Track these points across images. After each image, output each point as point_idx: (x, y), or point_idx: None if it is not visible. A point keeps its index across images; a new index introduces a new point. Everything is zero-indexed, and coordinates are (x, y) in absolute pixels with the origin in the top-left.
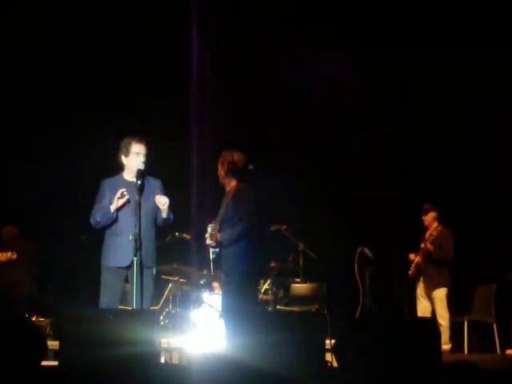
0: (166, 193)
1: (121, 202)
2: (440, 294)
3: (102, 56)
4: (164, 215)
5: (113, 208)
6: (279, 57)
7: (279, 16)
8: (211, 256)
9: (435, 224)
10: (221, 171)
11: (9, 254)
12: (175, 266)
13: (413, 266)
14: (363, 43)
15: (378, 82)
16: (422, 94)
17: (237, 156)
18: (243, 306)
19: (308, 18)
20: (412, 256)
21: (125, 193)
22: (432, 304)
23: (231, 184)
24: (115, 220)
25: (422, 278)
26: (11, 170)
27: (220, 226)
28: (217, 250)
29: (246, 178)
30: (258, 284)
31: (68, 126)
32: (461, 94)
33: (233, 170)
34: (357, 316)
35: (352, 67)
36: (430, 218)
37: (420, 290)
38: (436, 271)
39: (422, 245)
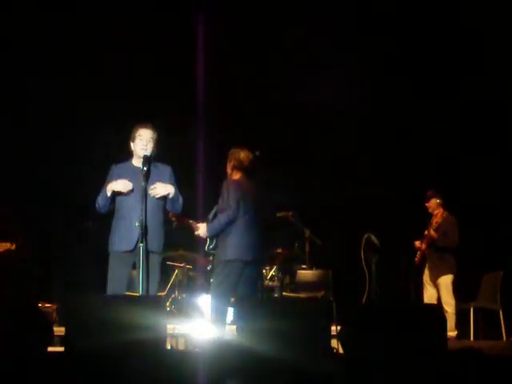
0: (175, 180)
1: (117, 187)
2: (445, 280)
3: (111, 55)
4: (169, 201)
5: (108, 189)
6: (285, 54)
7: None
8: (206, 247)
9: (440, 210)
10: (228, 167)
11: (8, 244)
12: (181, 252)
13: (418, 253)
14: (365, 43)
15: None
16: (423, 74)
17: (243, 154)
18: (218, 291)
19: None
20: (417, 243)
21: (126, 185)
22: (438, 291)
23: (235, 179)
24: (121, 205)
25: (427, 265)
26: (17, 156)
27: (214, 216)
28: (213, 242)
29: (250, 172)
30: (240, 273)
31: (75, 119)
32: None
33: (238, 167)
34: (363, 302)
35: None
36: (433, 204)
37: (426, 276)
38: (441, 258)
39: (426, 232)
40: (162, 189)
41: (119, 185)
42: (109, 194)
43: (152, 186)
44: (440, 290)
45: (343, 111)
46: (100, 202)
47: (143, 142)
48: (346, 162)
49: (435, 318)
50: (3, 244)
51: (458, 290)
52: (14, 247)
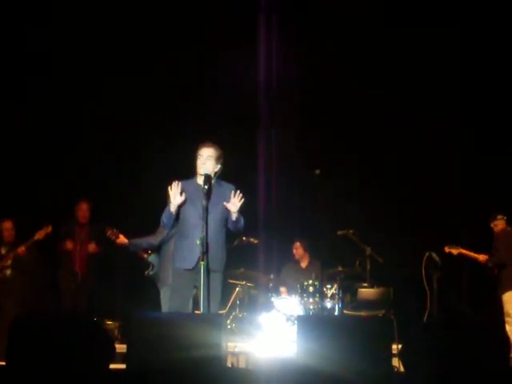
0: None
1: (178, 199)
2: (507, 298)
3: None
4: (232, 217)
5: (172, 207)
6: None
7: None
8: None
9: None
10: None
11: (44, 230)
12: (242, 270)
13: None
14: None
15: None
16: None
17: None
18: None
19: None
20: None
21: (177, 188)
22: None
23: None
24: (183, 223)
25: None
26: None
27: None
28: None
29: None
30: None
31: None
32: None
33: None
34: (424, 321)
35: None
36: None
37: None
38: (500, 275)
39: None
40: (233, 207)
41: (176, 199)
42: (173, 210)
43: (234, 205)
44: (504, 305)
45: (407, 129)
46: (165, 219)
47: (201, 159)
48: (409, 180)
49: (497, 335)
50: (41, 231)
51: None
52: (50, 229)
